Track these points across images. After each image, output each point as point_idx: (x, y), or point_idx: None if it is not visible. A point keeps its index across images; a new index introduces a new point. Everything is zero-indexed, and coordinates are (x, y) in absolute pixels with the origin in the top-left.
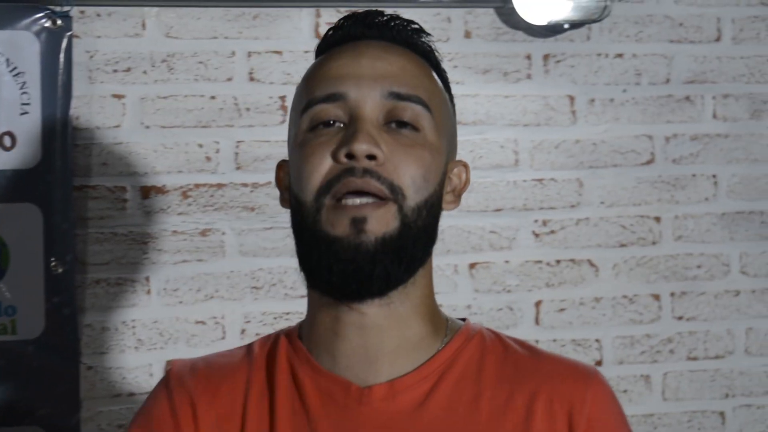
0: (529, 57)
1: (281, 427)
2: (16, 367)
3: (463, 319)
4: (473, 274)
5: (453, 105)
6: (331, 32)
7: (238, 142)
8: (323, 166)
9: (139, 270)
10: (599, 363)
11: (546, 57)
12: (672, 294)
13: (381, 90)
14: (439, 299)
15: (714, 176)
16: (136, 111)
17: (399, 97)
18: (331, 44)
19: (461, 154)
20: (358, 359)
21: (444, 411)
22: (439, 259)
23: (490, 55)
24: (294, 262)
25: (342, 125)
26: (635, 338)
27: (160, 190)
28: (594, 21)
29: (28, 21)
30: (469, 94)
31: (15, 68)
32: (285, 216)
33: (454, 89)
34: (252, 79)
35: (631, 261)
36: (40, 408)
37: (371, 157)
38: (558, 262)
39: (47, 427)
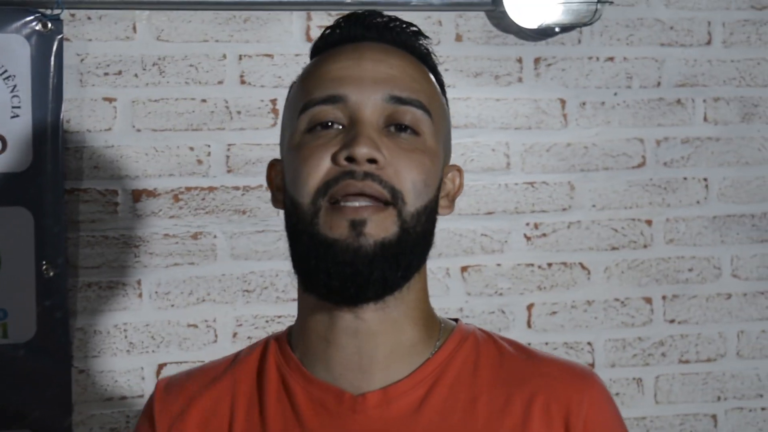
0: (520, 60)
1: None
2: (8, 370)
3: (456, 320)
4: (465, 278)
5: (448, 108)
6: (328, 31)
7: (229, 145)
8: (322, 168)
9: (130, 273)
10: (591, 366)
11: (537, 60)
12: (664, 297)
13: (382, 93)
14: (432, 302)
15: (705, 179)
16: (127, 114)
17: (400, 101)
18: (329, 44)
19: (453, 158)
20: (351, 366)
21: (439, 416)
22: (430, 262)
23: (482, 58)
24: (286, 265)
25: (341, 127)
26: (627, 341)
27: (152, 194)
28: (585, 24)
29: (18, 24)
30: (461, 98)
31: (5, 71)
32: (276, 219)
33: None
34: (243, 83)
35: (623, 264)
36: (31, 412)
37: (372, 161)
38: (550, 265)
39: (39, 431)
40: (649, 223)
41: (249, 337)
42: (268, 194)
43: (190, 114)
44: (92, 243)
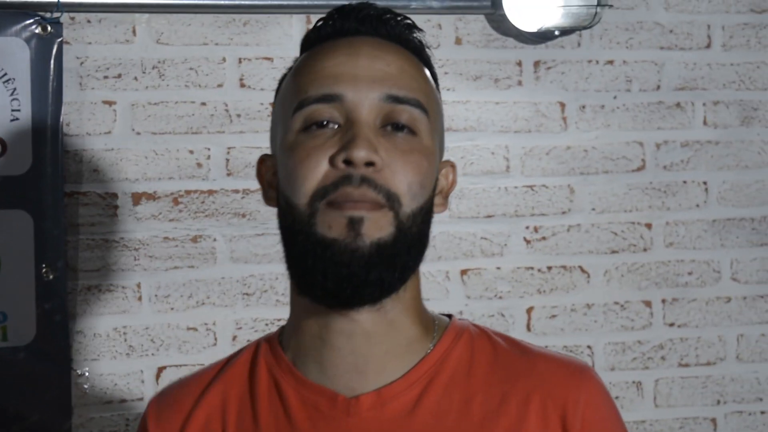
0: (519, 63)
1: None
2: (7, 373)
3: (450, 316)
4: (465, 281)
5: (441, 104)
6: (321, 23)
7: (229, 148)
8: (319, 170)
9: (130, 276)
10: None
11: (537, 63)
12: (663, 300)
13: (379, 92)
14: (431, 306)
15: (705, 183)
16: (126, 117)
17: (397, 100)
18: (321, 38)
19: (453, 161)
20: (346, 368)
21: (434, 417)
22: (430, 265)
23: (481, 61)
24: (285, 268)
25: (337, 126)
26: (627, 345)
27: (151, 197)
28: (584, 28)
29: (18, 27)
30: (460, 101)
31: (5, 74)
32: (276, 222)
33: (445, 96)
34: (242, 86)
35: (623, 267)
36: (31, 414)
37: (369, 163)
38: (549, 268)
39: None
40: (648, 226)
41: (248, 341)
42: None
43: (189, 117)
44: (92, 246)
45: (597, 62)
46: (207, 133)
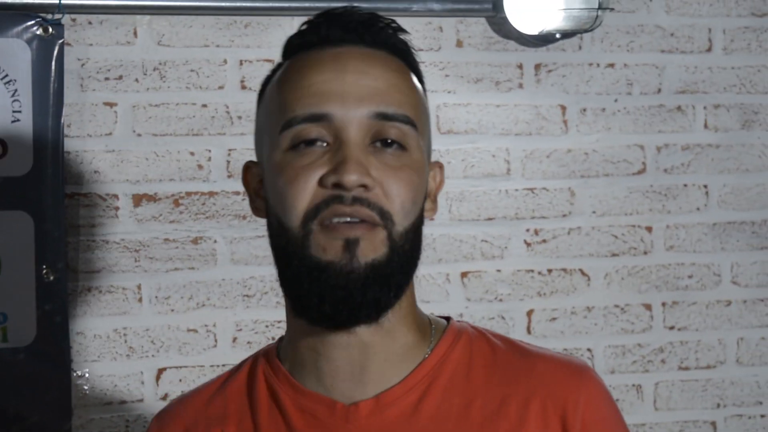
0: (520, 66)
1: None
2: (7, 374)
3: (448, 318)
4: (465, 283)
5: (428, 104)
6: (305, 28)
7: (230, 150)
8: (308, 191)
9: (130, 278)
10: None
11: (538, 66)
12: (663, 304)
13: (367, 110)
14: (431, 308)
15: (705, 186)
16: (127, 119)
17: (386, 117)
18: (306, 45)
19: (453, 163)
20: (343, 377)
21: (433, 421)
22: (430, 267)
23: (482, 64)
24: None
25: (325, 144)
26: (627, 348)
27: (152, 198)
28: (586, 31)
29: (19, 29)
30: (461, 103)
31: (6, 76)
32: None
33: (446, 98)
34: (244, 88)
35: (623, 270)
36: (31, 416)
37: (361, 185)
38: (550, 271)
39: None
40: (649, 229)
41: (249, 342)
42: None
43: (190, 119)
44: (92, 247)
45: (598, 65)
46: (208, 135)
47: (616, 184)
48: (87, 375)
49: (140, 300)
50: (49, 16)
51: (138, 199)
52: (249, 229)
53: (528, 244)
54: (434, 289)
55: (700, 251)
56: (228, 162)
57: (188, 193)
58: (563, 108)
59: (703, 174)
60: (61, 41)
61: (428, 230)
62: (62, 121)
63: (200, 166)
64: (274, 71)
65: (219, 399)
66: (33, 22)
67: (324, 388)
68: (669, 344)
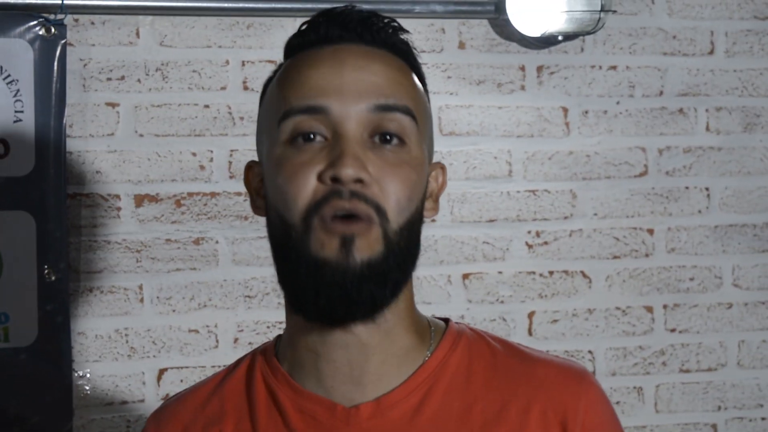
0: (522, 68)
1: None
2: (9, 374)
3: (446, 320)
4: (466, 285)
5: (429, 104)
6: (305, 27)
7: (232, 150)
8: (308, 187)
9: (132, 278)
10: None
11: (540, 68)
12: (665, 306)
13: (366, 104)
14: (433, 309)
15: (707, 189)
16: (129, 119)
17: (385, 108)
18: (305, 44)
19: (455, 165)
20: (343, 379)
21: (434, 424)
22: (432, 269)
23: (484, 66)
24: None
25: (324, 139)
26: (628, 350)
27: (154, 199)
28: (588, 33)
29: (22, 29)
30: (463, 105)
31: (8, 76)
32: None
33: (448, 100)
34: (246, 89)
35: (624, 273)
36: (32, 416)
37: (358, 180)
38: (551, 273)
39: None
40: (650, 232)
41: (250, 343)
42: None
43: (192, 119)
44: (94, 247)
45: (600, 67)
46: (210, 136)
47: (618, 186)
48: (88, 375)
49: (142, 300)
50: (52, 17)
51: (140, 200)
52: (251, 229)
53: (529, 246)
54: (435, 291)
55: (702, 254)
56: (230, 163)
57: (190, 194)
58: (565, 110)
59: (704, 176)
60: (63, 41)
61: (430, 231)
62: (64, 121)
63: (202, 167)
64: (275, 72)
65: (216, 398)
66: (35, 22)
67: (323, 389)
68: (670, 346)
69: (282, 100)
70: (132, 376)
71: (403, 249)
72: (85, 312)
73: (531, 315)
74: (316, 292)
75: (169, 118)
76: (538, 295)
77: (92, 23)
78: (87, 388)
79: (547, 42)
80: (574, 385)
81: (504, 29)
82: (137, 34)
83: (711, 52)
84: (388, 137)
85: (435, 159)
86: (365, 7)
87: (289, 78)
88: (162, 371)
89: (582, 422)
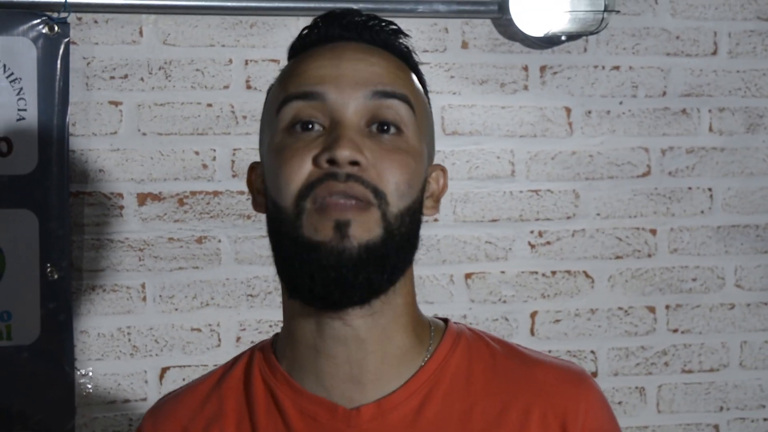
0: (526, 68)
1: None
2: (11, 372)
3: (445, 320)
4: (469, 284)
5: (431, 109)
6: (306, 31)
7: (235, 149)
8: (303, 169)
9: (134, 277)
10: (594, 374)
11: (543, 68)
12: (667, 306)
13: (363, 91)
14: (435, 309)
15: (710, 189)
16: (132, 118)
17: (383, 94)
18: (306, 45)
19: (458, 165)
20: (342, 377)
21: (435, 427)
22: (434, 268)
23: (487, 65)
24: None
25: (321, 128)
26: (630, 350)
27: (157, 197)
28: (591, 33)
29: (25, 27)
30: (466, 105)
31: (12, 74)
32: None
33: (451, 100)
34: (249, 87)
35: (627, 273)
36: (34, 414)
37: (354, 163)
38: (554, 273)
39: None
40: (653, 232)
41: (252, 342)
42: None
43: (195, 118)
44: (97, 246)
45: (603, 68)
46: (213, 135)
47: (621, 186)
48: (90, 374)
49: (144, 299)
50: (55, 15)
51: (142, 198)
52: (253, 228)
53: (532, 246)
54: (438, 290)
55: (704, 254)
56: (233, 162)
57: (193, 193)
58: (568, 110)
59: (707, 177)
60: (66, 40)
61: (432, 231)
62: (67, 119)
63: (205, 166)
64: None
65: (215, 397)
66: (39, 20)
67: (324, 389)
68: (672, 347)
69: (281, 91)
70: (134, 374)
71: (404, 235)
72: (87, 310)
73: (533, 315)
74: (311, 277)
75: (172, 116)
76: (540, 295)
77: (95, 22)
78: (89, 386)
79: (550, 42)
80: (573, 388)
81: (507, 29)
82: (140, 32)
83: (714, 53)
84: (385, 127)
85: (437, 159)
86: (369, 5)
87: (289, 72)
88: (164, 370)
89: (582, 425)
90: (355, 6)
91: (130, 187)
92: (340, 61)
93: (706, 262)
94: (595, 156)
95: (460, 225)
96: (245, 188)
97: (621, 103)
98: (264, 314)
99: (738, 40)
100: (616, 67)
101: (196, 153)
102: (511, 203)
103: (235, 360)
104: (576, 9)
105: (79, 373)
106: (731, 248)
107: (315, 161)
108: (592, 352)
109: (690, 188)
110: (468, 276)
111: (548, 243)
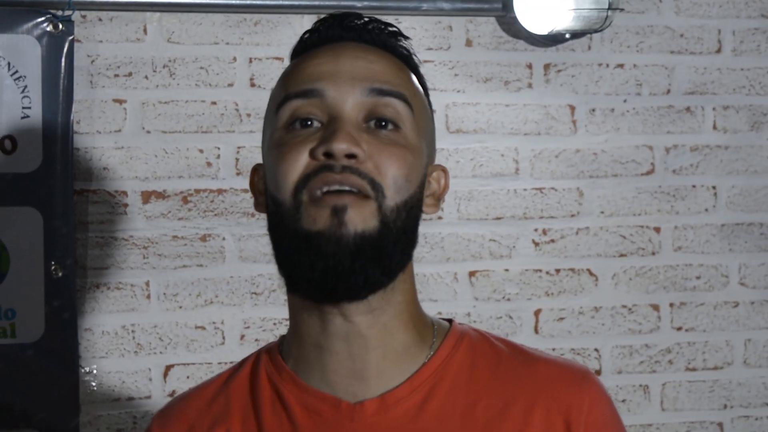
0: (530, 66)
1: None
2: (15, 370)
3: (450, 320)
4: (473, 282)
5: (432, 110)
6: (307, 35)
7: (239, 147)
8: (300, 162)
9: (139, 274)
10: (598, 372)
11: (547, 66)
12: (671, 304)
13: (361, 88)
14: (439, 307)
15: (714, 187)
16: (137, 116)
17: (381, 92)
18: (307, 47)
19: (462, 163)
20: (345, 373)
21: (438, 421)
22: (438, 266)
23: (491, 63)
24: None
25: (320, 125)
26: (634, 348)
27: (161, 195)
28: (595, 31)
29: (29, 25)
30: (470, 103)
31: (16, 72)
32: None
33: (455, 97)
34: (253, 85)
35: (631, 271)
36: (38, 412)
37: (351, 156)
38: (557, 271)
39: (46, 431)
40: (657, 230)
41: (257, 340)
42: None
43: (199, 116)
44: (101, 244)
45: (607, 66)
46: (217, 133)
47: (625, 184)
48: (95, 371)
49: (148, 297)
50: (59, 13)
51: (147, 196)
52: (257, 226)
53: (536, 244)
54: (442, 288)
55: (708, 252)
56: (237, 159)
57: (197, 191)
58: (572, 108)
59: (711, 175)
60: (71, 38)
61: (436, 229)
62: (71, 117)
63: (209, 164)
64: None
65: (222, 397)
66: (43, 18)
67: (328, 385)
68: (676, 345)
69: (281, 91)
70: (138, 372)
71: (400, 229)
72: (91, 308)
73: (537, 313)
74: (310, 266)
75: (176, 114)
76: (544, 293)
77: (100, 20)
78: (93, 384)
79: (554, 40)
80: (577, 385)
81: (511, 27)
82: (144, 30)
83: (718, 51)
84: (383, 123)
85: (442, 156)
86: (373, 3)
87: (289, 73)
88: (168, 368)
89: (585, 421)
90: (359, 5)
91: (135, 184)
92: (339, 59)
93: (710, 260)
94: (599, 154)
95: (464, 223)
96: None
97: (625, 101)
98: (268, 312)
99: (742, 38)
100: (621, 65)
101: (201, 151)
102: (515, 201)
103: (243, 362)
104: (580, 7)
105: (83, 370)
106: (735, 246)
107: (312, 154)
108: (596, 350)
109: (694, 186)
110: (472, 274)
111: (552, 241)
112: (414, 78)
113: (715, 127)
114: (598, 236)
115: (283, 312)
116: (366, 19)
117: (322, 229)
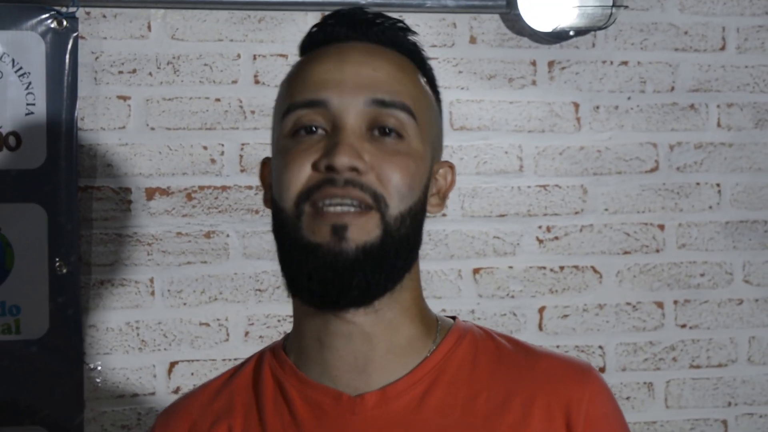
0: (534, 63)
1: None
2: (20, 366)
3: (453, 318)
4: (477, 280)
5: (439, 104)
6: (315, 29)
7: (243, 144)
8: (303, 173)
9: (143, 271)
10: (602, 370)
11: (551, 63)
12: (675, 302)
13: (364, 98)
14: (443, 304)
15: (718, 185)
16: (141, 112)
17: (383, 104)
18: (314, 44)
19: (466, 160)
20: (347, 368)
21: (438, 414)
22: (442, 263)
23: (495, 60)
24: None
25: (324, 132)
26: (638, 345)
27: (165, 192)
28: (599, 28)
29: (33, 22)
30: (474, 100)
31: (20, 68)
32: None
33: (459, 95)
34: (257, 82)
35: (635, 268)
36: (43, 408)
37: (353, 169)
38: (562, 268)
39: (50, 428)
40: (661, 227)
41: (261, 336)
42: None
43: (204, 113)
44: (105, 240)
45: (611, 63)
46: (221, 129)
47: (629, 181)
48: (99, 368)
49: (153, 293)
50: (64, 9)
51: (151, 193)
52: (261, 223)
53: (540, 241)
54: (446, 285)
55: (713, 250)
56: (241, 156)
57: (201, 187)
58: (576, 105)
59: (715, 173)
60: (75, 34)
61: (440, 226)
62: (76, 114)
63: (213, 160)
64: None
65: (225, 393)
66: (47, 15)
67: (329, 379)
68: (680, 342)
69: (287, 96)
70: (143, 368)
71: (403, 237)
72: (96, 305)
73: (541, 310)
74: (309, 276)
75: (180, 111)
76: (548, 290)
77: (104, 16)
78: (98, 380)
79: (558, 37)
80: (577, 378)
81: (515, 24)
82: (149, 27)
83: (722, 48)
84: (387, 131)
85: (446, 154)
86: (378, 0)
87: (294, 75)
88: (173, 364)
89: (585, 414)
90: (363, 1)
91: (139, 181)
92: (343, 64)
93: (714, 257)
94: (603, 151)
95: (468, 220)
96: (253, 183)
97: (629, 98)
98: (272, 309)
99: (746, 36)
100: (625, 63)
101: (205, 148)
102: (519, 198)
103: (247, 360)
104: (584, 4)
105: (87, 367)
106: (739, 244)
107: (314, 166)
108: (600, 347)
109: (698, 184)
110: (476, 271)
111: (556, 238)
112: (420, 77)
113: (719, 125)
114: (602, 233)
115: (287, 309)
116: (372, 15)
117: (320, 242)
